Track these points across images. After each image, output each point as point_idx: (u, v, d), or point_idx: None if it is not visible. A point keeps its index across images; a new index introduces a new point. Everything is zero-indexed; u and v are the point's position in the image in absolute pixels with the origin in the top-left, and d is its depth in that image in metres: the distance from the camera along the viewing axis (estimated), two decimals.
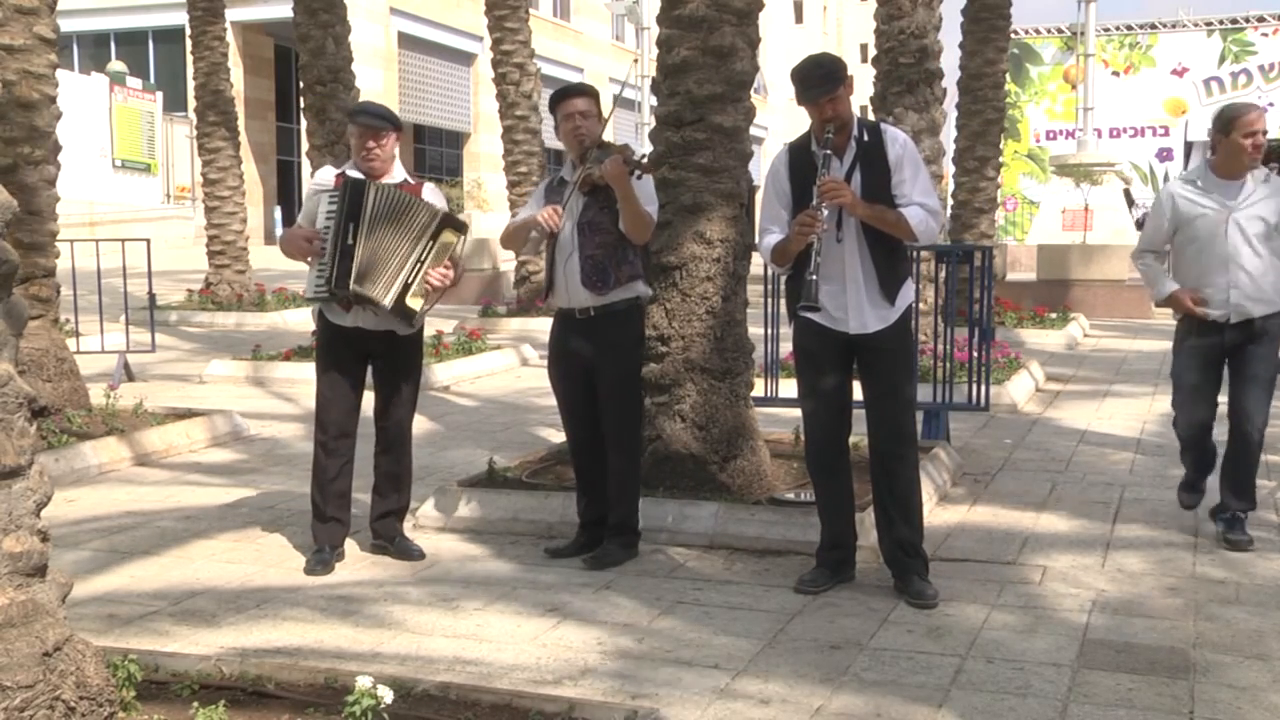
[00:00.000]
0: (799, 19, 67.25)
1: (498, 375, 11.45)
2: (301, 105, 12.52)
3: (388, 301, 4.97)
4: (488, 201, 35.14)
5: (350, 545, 5.35)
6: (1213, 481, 5.64)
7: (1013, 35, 18.06)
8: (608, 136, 5.38)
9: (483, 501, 5.77)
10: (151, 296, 10.84)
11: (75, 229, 17.10)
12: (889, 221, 4.55)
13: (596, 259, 5.02)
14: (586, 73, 42.61)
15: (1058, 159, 24.62)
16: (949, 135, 13.73)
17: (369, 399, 5.30)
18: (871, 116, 10.42)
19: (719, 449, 5.82)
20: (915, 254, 8.46)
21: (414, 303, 5.05)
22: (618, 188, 4.90)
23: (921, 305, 9.30)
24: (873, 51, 10.78)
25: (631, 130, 30.95)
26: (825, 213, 4.47)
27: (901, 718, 3.55)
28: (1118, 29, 34.01)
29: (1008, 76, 16.04)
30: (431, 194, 5.22)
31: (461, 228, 5.14)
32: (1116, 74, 33.46)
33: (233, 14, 19.99)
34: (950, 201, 15.64)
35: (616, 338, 5.10)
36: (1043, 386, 10.32)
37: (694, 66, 5.94)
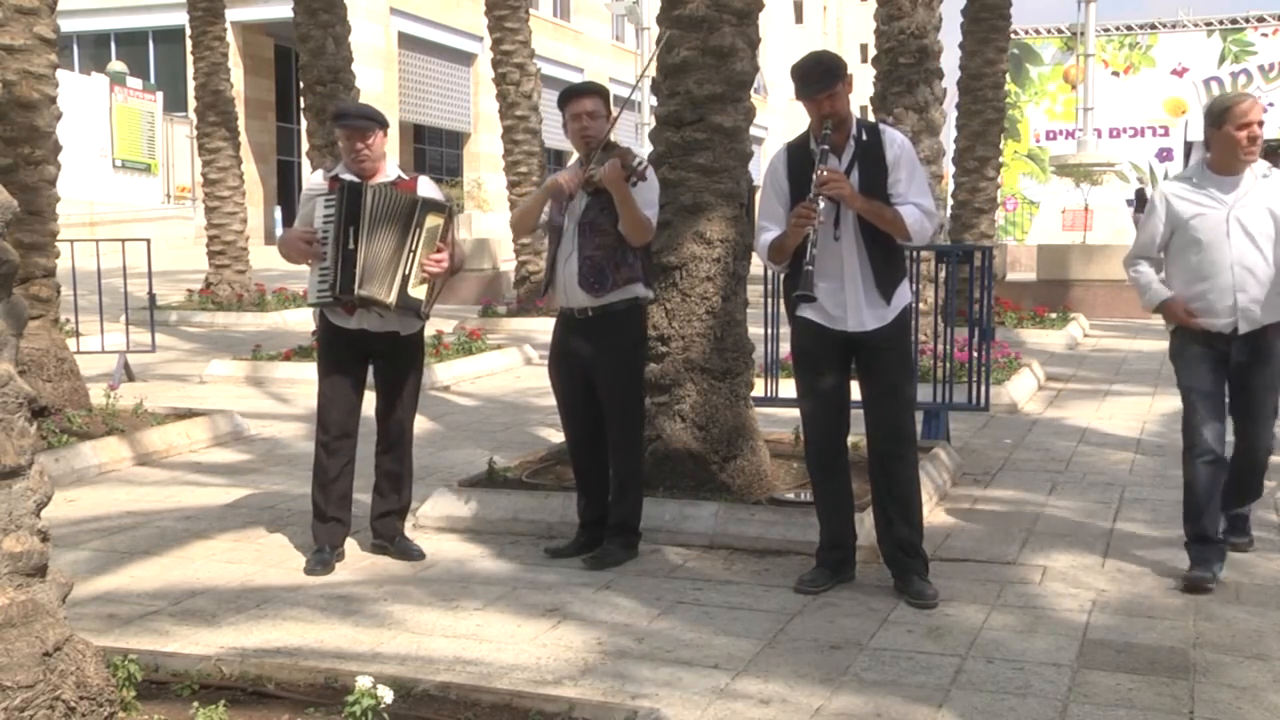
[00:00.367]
0: (799, 19, 67.26)
1: (498, 375, 11.45)
2: (301, 105, 12.52)
3: (392, 299, 4.97)
4: (488, 201, 35.14)
5: (350, 545, 5.35)
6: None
7: (1013, 35, 18.08)
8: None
9: (483, 501, 5.77)
10: (151, 296, 10.84)
11: (75, 229, 17.09)
12: (885, 218, 4.56)
13: (595, 260, 5.01)
14: (586, 73, 42.60)
15: (1058, 159, 24.62)
16: (949, 135, 13.73)
17: (370, 399, 5.30)
18: (871, 116, 10.43)
19: (719, 449, 5.82)
20: (915, 254, 8.49)
21: (417, 292, 5.03)
22: (615, 192, 4.90)
23: (921, 305, 9.31)
24: (873, 51, 10.78)
25: (631, 130, 30.95)
26: (822, 204, 4.47)
27: (901, 718, 3.55)
28: (1118, 29, 34.03)
29: (1008, 76, 16.05)
30: (427, 188, 5.22)
31: (442, 208, 5.10)
32: (1116, 74, 33.48)
33: (233, 14, 20.00)
34: (950, 201, 15.64)
35: (616, 338, 5.09)
36: (1043, 386, 10.32)
37: (694, 66, 5.94)
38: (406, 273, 4.99)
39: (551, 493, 5.78)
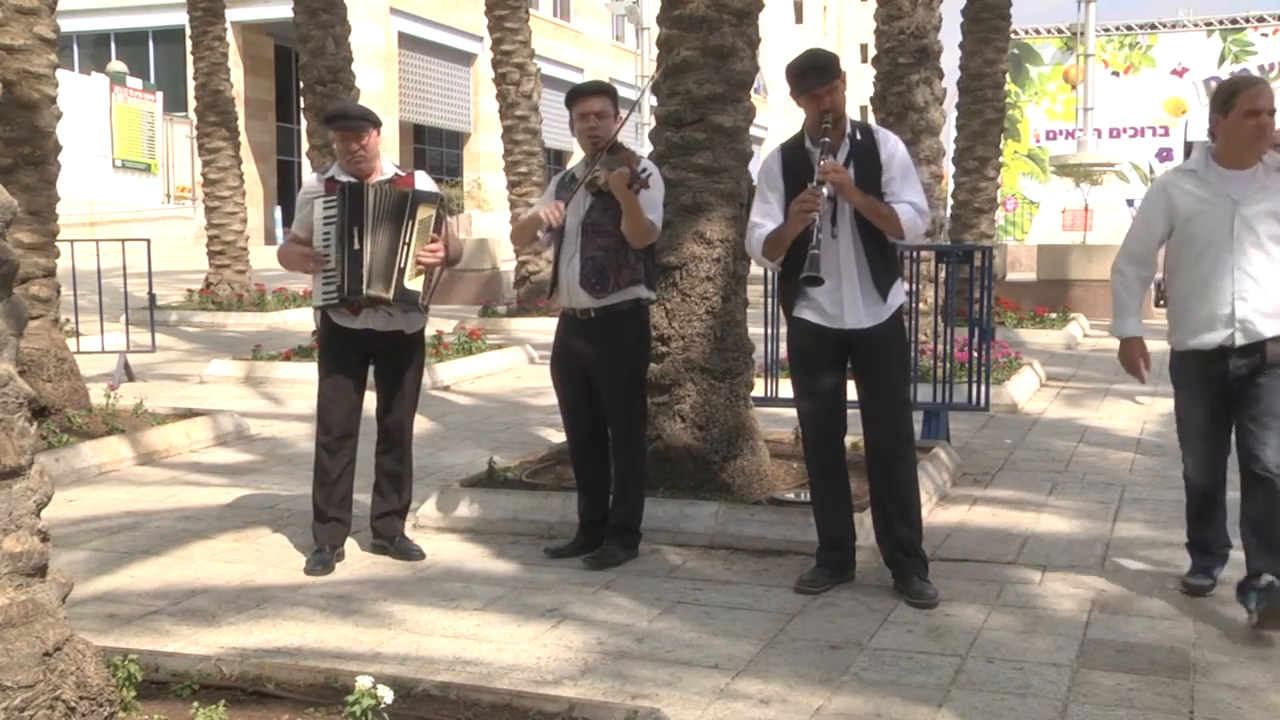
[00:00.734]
0: (799, 19, 67.24)
1: (498, 375, 11.45)
2: (301, 105, 12.52)
3: (390, 293, 4.97)
4: (488, 201, 35.14)
5: (350, 545, 5.35)
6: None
7: (1013, 35, 18.09)
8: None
9: (483, 501, 5.77)
10: (151, 296, 10.84)
11: (75, 229, 17.10)
12: (881, 214, 4.58)
13: (597, 260, 5.01)
14: (586, 73, 42.59)
15: (1058, 159, 24.63)
16: (949, 135, 13.74)
17: (370, 398, 5.30)
18: (871, 117, 10.45)
19: (719, 449, 5.82)
20: (915, 254, 8.50)
21: (414, 284, 5.03)
22: (620, 199, 4.89)
23: (921, 305, 9.31)
24: (873, 51, 10.78)
25: (632, 130, 30.95)
26: (825, 192, 4.49)
27: (901, 718, 3.55)
28: (1118, 29, 34.02)
29: (1008, 76, 16.06)
30: (424, 183, 5.23)
31: (433, 199, 5.10)
32: (1116, 74, 33.47)
33: (233, 14, 20.00)
34: (950, 201, 15.64)
35: (617, 339, 5.09)
36: (1044, 385, 10.32)
37: (694, 66, 5.94)
38: (402, 266, 4.99)
39: (551, 493, 5.78)
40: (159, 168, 32.83)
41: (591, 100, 5.08)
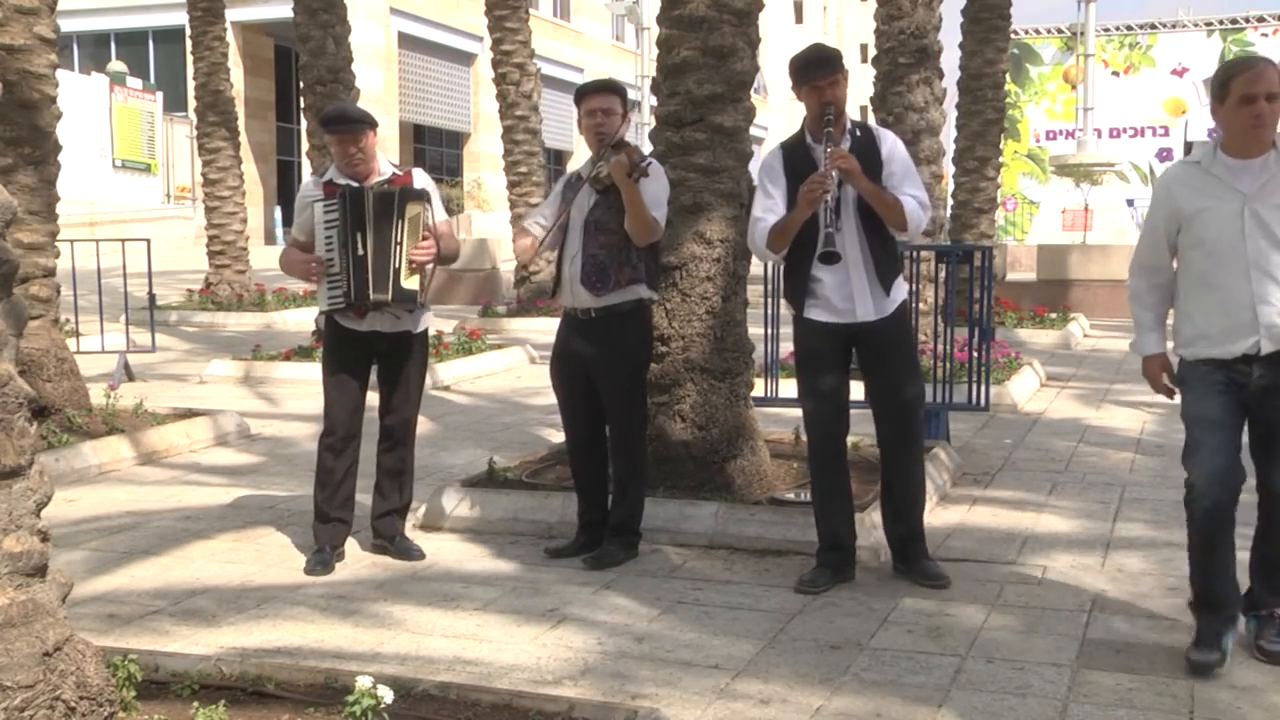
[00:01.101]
0: (799, 19, 67.25)
1: (498, 375, 11.45)
2: (301, 105, 12.53)
3: (389, 294, 4.97)
4: (488, 201, 35.14)
5: (350, 545, 5.35)
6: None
7: (1013, 35, 18.10)
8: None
9: (483, 501, 5.77)
10: (151, 296, 10.84)
11: (75, 229, 17.11)
12: (886, 202, 4.63)
13: (598, 259, 5.01)
14: (586, 73, 42.59)
15: (1058, 159, 24.63)
16: (949, 135, 13.74)
17: (372, 398, 5.30)
18: (871, 117, 10.45)
19: (719, 449, 5.82)
20: (915, 254, 8.50)
21: (410, 283, 5.03)
22: (621, 189, 4.91)
23: (921, 305, 9.30)
24: (873, 51, 10.77)
25: (632, 131, 30.96)
26: (835, 176, 4.52)
27: (901, 718, 3.55)
28: (1118, 29, 34.05)
29: (1008, 76, 16.06)
30: (422, 180, 5.24)
31: (420, 196, 5.09)
32: (1116, 74, 33.51)
33: (233, 14, 20.00)
34: (950, 201, 15.64)
35: (617, 340, 5.08)
36: (1044, 385, 10.32)
37: (694, 66, 5.94)
38: (396, 266, 5.00)
39: (551, 493, 5.78)
40: (159, 168, 32.83)
41: (600, 98, 5.10)
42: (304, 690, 3.33)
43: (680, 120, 5.98)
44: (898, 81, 10.28)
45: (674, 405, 5.83)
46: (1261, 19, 33.43)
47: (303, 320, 15.33)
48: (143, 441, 7.47)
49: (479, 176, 38.41)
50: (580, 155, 42.53)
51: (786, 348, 8.42)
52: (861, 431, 5.15)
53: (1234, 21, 33.49)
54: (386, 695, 2.98)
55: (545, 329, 12.63)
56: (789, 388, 7.93)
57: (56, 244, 8.05)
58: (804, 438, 5.70)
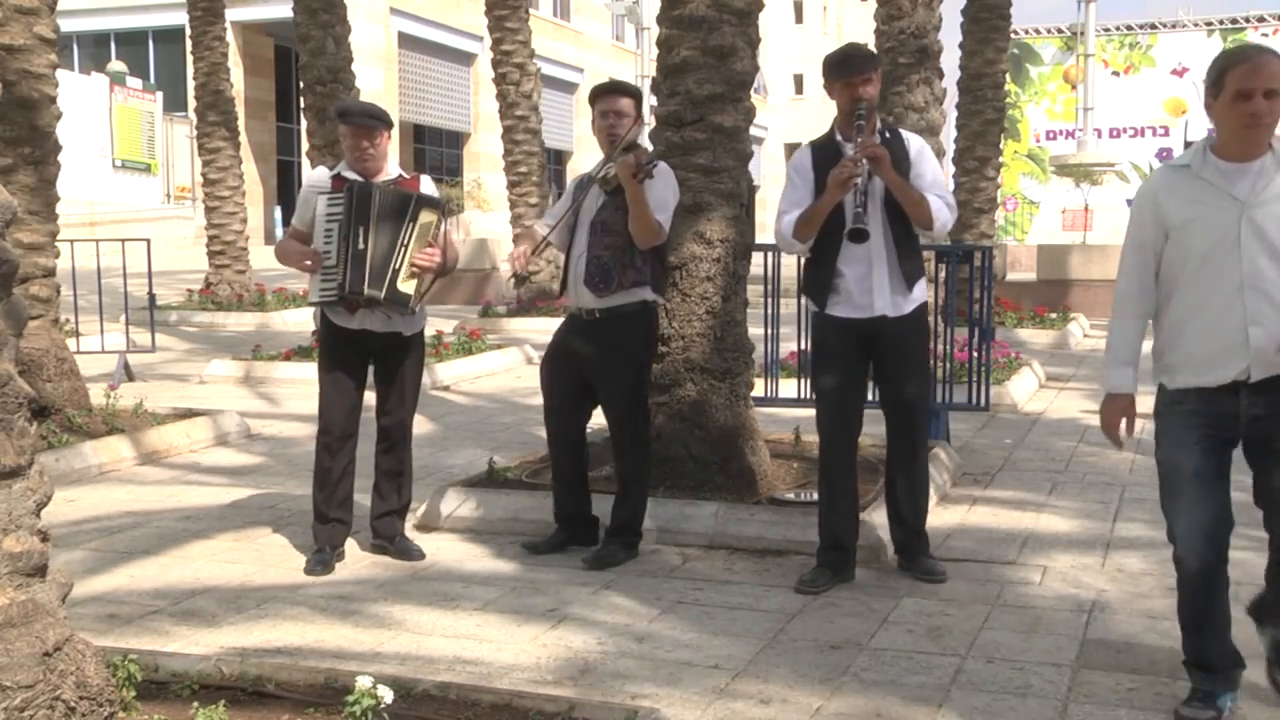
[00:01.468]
0: (799, 19, 67.19)
1: (498, 375, 11.45)
2: (301, 105, 12.51)
3: (381, 293, 4.97)
4: (487, 202, 35.14)
5: (350, 545, 5.35)
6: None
7: (1013, 35, 18.09)
8: None
9: (483, 501, 5.77)
10: (151, 296, 10.84)
11: (75, 229, 17.11)
12: (912, 198, 4.66)
13: (602, 260, 5.02)
14: (586, 73, 42.62)
15: (1058, 159, 24.67)
16: (949, 135, 13.73)
17: (370, 398, 5.30)
18: None
19: (719, 449, 5.82)
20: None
21: (406, 287, 5.03)
22: (626, 189, 4.92)
23: None
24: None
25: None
26: (864, 165, 4.55)
27: (901, 718, 3.55)
28: (1118, 29, 34.05)
29: (1008, 76, 16.07)
30: (428, 188, 5.24)
31: (437, 205, 5.11)
32: (1116, 74, 33.50)
33: (233, 14, 20.00)
34: None
35: (620, 341, 5.08)
36: (1044, 385, 10.32)
37: (694, 66, 5.94)
38: (396, 267, 4.99)
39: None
40: (159, 168, 32.83)
41: (615, 99, 5.12)
42: (304, 690, 3.33)
43: (680, 120, 5.98)
44: (898, 81, 10.26)
45: (674, 405, 5.83)
46: (1262, 19, 33.42)
47: (302, 320, 15.33)
48: (143, 441, 7.47)
49: (479, 176, 38.41)
50: (580, 156, 42.54)
51: (787, 348, 8.43)
52: (864, 432, 5.14)
53: (1234, 21, 33.49)
54: (386, 695, 2.98)
55: (545, 329, 12.62)
56: (789, 388, 7.93)
57: (56, 244, 8.05)
58: (804, 438, 5.71)
